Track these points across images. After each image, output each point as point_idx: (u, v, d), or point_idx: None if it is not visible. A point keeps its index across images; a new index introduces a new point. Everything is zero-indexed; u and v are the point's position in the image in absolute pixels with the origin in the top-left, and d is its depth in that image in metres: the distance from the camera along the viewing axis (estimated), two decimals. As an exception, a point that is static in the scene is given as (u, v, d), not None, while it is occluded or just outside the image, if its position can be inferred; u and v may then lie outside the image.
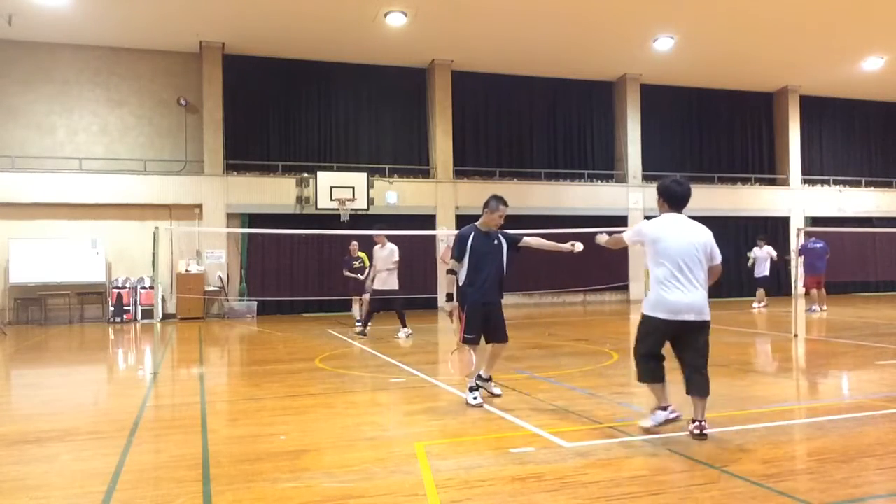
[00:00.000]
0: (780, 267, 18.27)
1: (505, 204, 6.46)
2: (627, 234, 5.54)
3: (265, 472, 4.39)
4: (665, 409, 5.08)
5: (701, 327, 5.04)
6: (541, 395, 6.70)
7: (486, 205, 6.43)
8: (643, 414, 5.86)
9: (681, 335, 5.05)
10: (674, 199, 5.41)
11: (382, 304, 12.18)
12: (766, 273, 17.73)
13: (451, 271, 6.41)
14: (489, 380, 6.63)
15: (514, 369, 8.24)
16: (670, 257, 5.08)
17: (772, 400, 6.48)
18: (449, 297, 6.45)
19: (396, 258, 12.07)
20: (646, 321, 5.16)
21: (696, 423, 4.96)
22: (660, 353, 5.13)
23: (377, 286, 12.06)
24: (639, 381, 5.34)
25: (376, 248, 12.20)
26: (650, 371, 5.15)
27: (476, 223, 6.50)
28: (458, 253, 6.36)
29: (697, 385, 4.98)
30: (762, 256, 17.62)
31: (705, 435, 4.93)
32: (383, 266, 11.97)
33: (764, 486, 3.94)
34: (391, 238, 17.14)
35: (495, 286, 6.42)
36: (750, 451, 4.64)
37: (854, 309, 16.71)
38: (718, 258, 5.26)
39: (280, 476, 4.30)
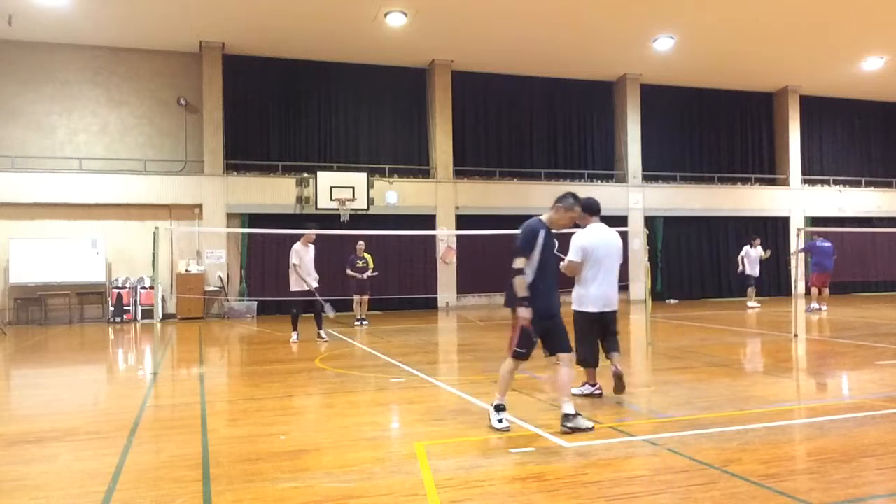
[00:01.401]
0: (782, 264, 18.23)
1: (581, 207, 5.71)
2: (577, 256, 6.26)
3: (265, 472, 4.39)
4: (594, 385, 6.48)
5: (616, 315, 6.52)
6: (541, 395, 6.70)
7: (560, 200, 5.50)
8: (643, 413, 5.88)
9: (604, 322, 6.41)
10: (595, 210, 6.45)
11: (307, 305, 11.74)
12: (758, 273, 17.77)
13: (519, 271, 5.20)
14: (577, 415, 5.23)
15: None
16: (600, 260, 6.22)
17: (772, 400, 6.48)
18: (524, 301, 5.17)
19: (311, 256, 11.58)
20: (580, 316, 6.36)
21: (615, 369, 6.42)
22: (597, 341, 6.46)
23: (297, 287, 11.52)
24: (582, 365, 6.39)
25: (299, 246, 11.57)
26: (592, 358, 6.41)
27: (542, 218, 5.51)
28: (529, 249, 5.26)
29: (613, 345, 6.51)
30: (754, 256, 17.64)
31: (622, 375, 6.40)
32: (309, 265, 11.52)
33: (764, 486, 3.94)
34: (391, 238, 17.27)
35: (556, 293, 5.54)
36: (750, 451, 4.64)
37: (854, 309, 16.71)
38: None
39: (280, 476, 4.30)
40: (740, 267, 17.94)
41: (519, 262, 5.21)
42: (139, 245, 16.78)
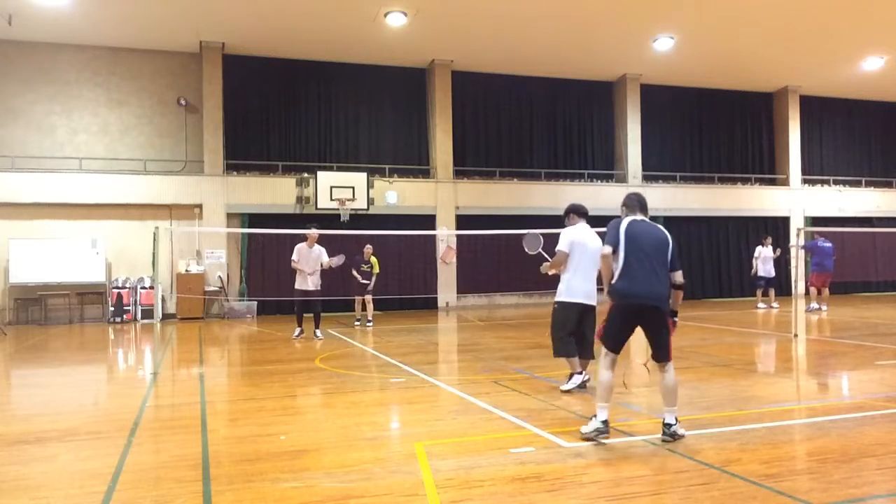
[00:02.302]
0: (783, 263, 17.98)
1: None
2: (565, 246, 6.73)
3: (265, 472, 4.39)
4: (580, 373, 6.78)
5: (594, 310, 6.83)
6: (541, 395, 6.70)
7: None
8: (643, 413, 5.88)
9: (585, 315, 6.79)
10: (581, 213, 6.99)
11: (305, 305, 11.92)
12: (773, 273, 17.64)
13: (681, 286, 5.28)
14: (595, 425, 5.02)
15: (513, 369, 8.24)
16: (588, 257, 6.67)
17: (772, 400, 6.49)
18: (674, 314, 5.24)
19: (325, 259, 11.77)
20: (565, 307, 6.74)
21: (581, 374, 6.78)
22: (574, 331, 6.77)
23: (301, 286, 11.70)
24: (557, 356, 6.84)
25: (302, 245, 11.71)
26: (567, 349, 6.75)
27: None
28: None
29: (588, 351, 6.84)
30: (768, 255, 17.57)
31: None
32: (310, 266, 11.62)
33: (764, 486, 3.94)
34: (391, 238, 17.27)
35: None
36: (750, 451, 4.64)
37: (854, 309, 16.71)
38: None
39: (280, 476, 4.30)
40: (754, 269, 17.80)
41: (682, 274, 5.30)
42: (139, 245, 16.77)
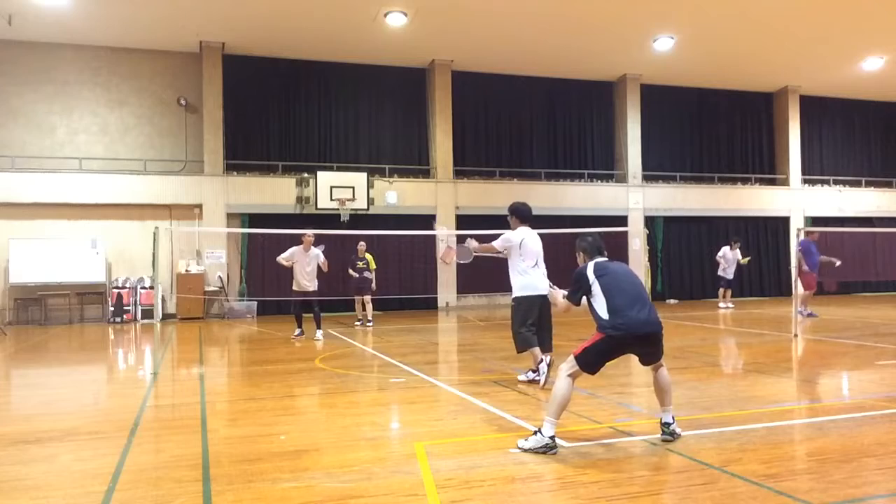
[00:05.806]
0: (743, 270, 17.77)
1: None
2: (497, 243, 7.33)
3: (265, 472, 4.39)
4: (535, 371, 7.08)
5: (546, 299, 7.07)
6: (541, 395, 6.69)
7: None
8: (643, 413, 5.88)
9: (543, 305, 7.16)
10: (524, 217, 7.42)
11: (304, 305, 12.00)
12: (731, 276, 17.67)
13: None
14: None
15: (513, 369, 8.23)
16: (531, 254, 7.22)
17: (772, 400, 6.48)
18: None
19: (323, 260, 11.79)
20: (524, 300, 7.15)
21: (543, 361, 7.01)
22: (533, 323, 7.15)
23: (297, 287, 11.78)
24: (520, 351, 7.25)
25: (298, 248, 11.70)
26: (529, 339, 7.08)
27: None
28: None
29: (548, 342, 7.25)
30: (731, 258, 17.57)
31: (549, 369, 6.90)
32: (305, 267, 11.65)
33: (764, 486, 3.94)
34: (391, 238, 17.27)
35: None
36: (750, 451, 4.64)
37: (854, 309, 16.70)
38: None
39: (280, 476, 4.30)
40: (721, 267, 17.81)
41: None
42: (139, 245, 16.78)
